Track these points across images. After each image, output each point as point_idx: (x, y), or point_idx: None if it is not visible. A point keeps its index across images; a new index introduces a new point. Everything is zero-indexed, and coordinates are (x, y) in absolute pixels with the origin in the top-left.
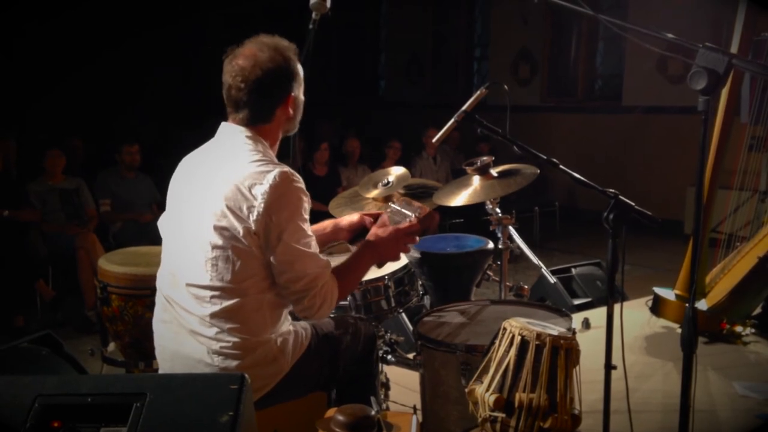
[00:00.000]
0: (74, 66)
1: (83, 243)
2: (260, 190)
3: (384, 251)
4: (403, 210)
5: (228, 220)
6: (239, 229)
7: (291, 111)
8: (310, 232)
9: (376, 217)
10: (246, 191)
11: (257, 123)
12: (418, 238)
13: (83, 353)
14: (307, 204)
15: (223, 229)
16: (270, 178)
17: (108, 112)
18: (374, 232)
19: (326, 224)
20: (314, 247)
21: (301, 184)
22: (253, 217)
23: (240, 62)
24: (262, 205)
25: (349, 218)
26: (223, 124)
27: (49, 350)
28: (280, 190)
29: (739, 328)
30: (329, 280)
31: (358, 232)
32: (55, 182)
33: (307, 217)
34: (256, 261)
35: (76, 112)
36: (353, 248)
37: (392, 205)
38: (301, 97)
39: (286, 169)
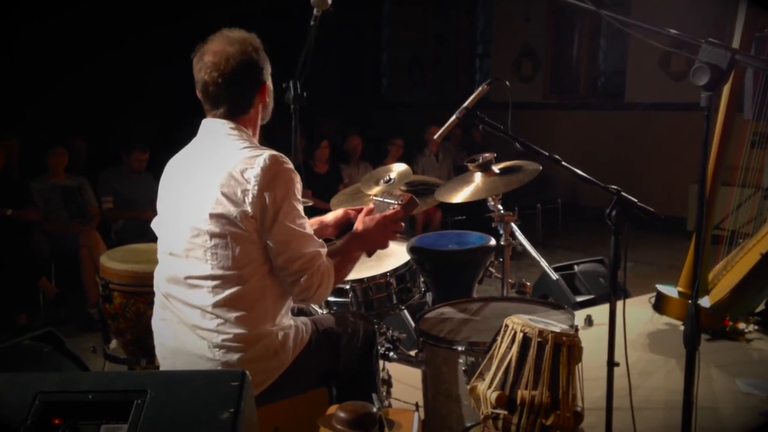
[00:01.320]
0: (75, 65)
1: (86, 241)
2: (252, 173)
3: (372, 238)
4: (386, 200)
5: (224, 207)
6: (236, 213)
7: (267, 99)
8: (303, 214)
9: (359, 212)
10: (239, 176)
11: (237, 115)
12: (403, 225)
13: (86, 350)
14: (299, 185)
15: (220, 216)
16: (260, 161)
17: (110, 111)
18: (360, 220)
19: (312, 221)
20: (309, 229)
21: (291, 165)
22: (248, 199)
23: (212, 59)
24: (256, 187)
25: (334, 214)
26: (204, 120)
27: (50, 347)
28: (271, 171)
29: (742, 325)
30: (326, 261)
31: (343, 227)
32: (57, 180)
33: (300, 197)
34: (254, 246)
35: (78, 112)
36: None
37: (374, 197)
38: (271, 85)
39: (275, 152)
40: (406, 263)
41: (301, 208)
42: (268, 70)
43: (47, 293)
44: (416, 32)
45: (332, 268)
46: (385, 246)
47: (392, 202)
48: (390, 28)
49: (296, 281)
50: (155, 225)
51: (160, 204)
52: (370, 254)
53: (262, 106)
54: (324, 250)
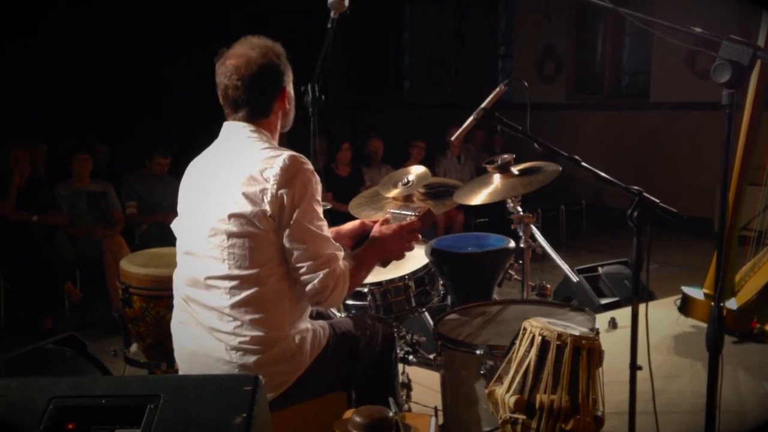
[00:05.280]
0: (96, 71)
1: (110, 245)
2: (272, 173)
3: (388, 248)
4: (403, 211)
5: (243, 206)
6: (254, 213)
7: (287, 105)
8: (322, 216)
9: (376, 223)
10: (258, 175)
11: (257, 119)
12: (420, 236)
13: (109, 354)
14: (318, 186)
15: (239, 215)
16: (279, 162)
17: (130, 116)
18: (377, 229)
19: None
20: (326, 231)
21: (310, 166)
22: (267, 199)
23: (233, 62)
24: (275, 186)
25: (351, 225)
26: (225, 123)
27: (73, 351)
28: (290, 171)
29: None
30: (342, 264)
31: (359, 238)
32: (82, 185)
33: (319, 198)
34: (272, 246)
35: (98, 117)
36: None
37: (391, 210)
38: (293, 92)
39: (295, 153)
40: (425, 266)
41: (320, 209)
42: (289, 76)
43: (72, 297)
44: (437, 34)
45: (349, 273)
46: (400, 257)
47: (409, 213)
48: (411, 30)
49: (310, 281)
50: (175, 226)
51: (181, 206)
52: (385, 264)
53: (282, 113)
54: (341, 254)
